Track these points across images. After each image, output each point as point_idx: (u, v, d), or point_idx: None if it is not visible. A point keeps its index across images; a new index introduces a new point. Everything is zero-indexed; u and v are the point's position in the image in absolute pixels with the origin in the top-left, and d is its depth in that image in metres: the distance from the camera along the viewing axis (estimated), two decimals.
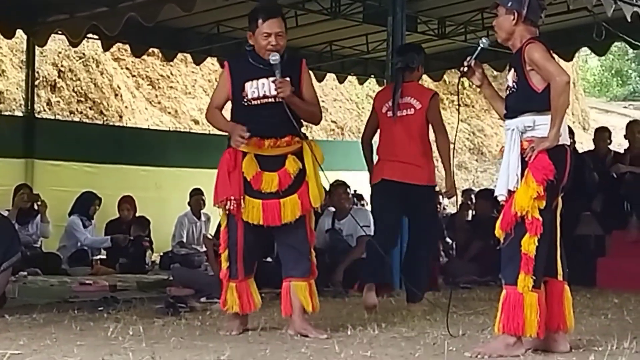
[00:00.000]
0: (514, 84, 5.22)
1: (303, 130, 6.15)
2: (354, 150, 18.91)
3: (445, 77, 18.58)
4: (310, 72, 16.18)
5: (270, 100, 5.92)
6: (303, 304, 5.97)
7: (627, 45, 16.92)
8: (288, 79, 5.92)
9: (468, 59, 5.41)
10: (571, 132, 10.51)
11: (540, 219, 5.00)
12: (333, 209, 10.29)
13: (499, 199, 5.20)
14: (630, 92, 42.44)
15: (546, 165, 4.99)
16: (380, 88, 9.04)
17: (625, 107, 38.53)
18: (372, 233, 9.82)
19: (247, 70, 5.99)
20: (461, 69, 5.43)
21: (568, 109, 5.27)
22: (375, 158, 7.95)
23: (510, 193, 5.11)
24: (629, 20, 11.61)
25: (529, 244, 4.99)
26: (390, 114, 7.70)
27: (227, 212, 5.99)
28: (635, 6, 11.64)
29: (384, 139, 7.90)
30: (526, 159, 5.05)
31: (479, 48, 5.47)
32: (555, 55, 5.39)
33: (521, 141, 5.10)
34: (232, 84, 6.02)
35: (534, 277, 4.97)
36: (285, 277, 6.05)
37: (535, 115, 5.10)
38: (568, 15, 12.56)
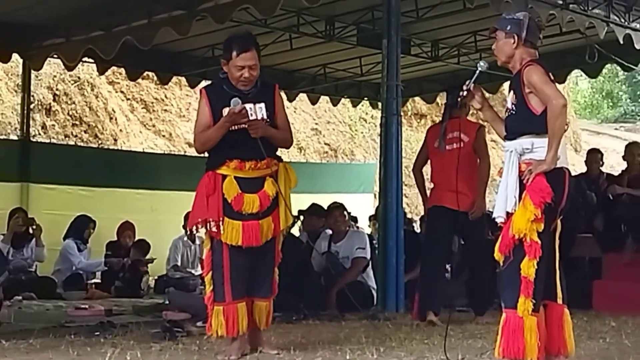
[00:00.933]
0: (513, 106, 5.21)
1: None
2: (348, 173, 19.10)
3: (438, 99, 18.62)
4: (304, 94, 16.50)
5: (246, 125, 6.03)
6: (257, 323, 6.18)
7: (617, 67, 17.02)
8: (262, 110, 6.08)
9: (467, 82, 5.39)
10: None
11: (539, 242, 4.99)
12: (330, 232, 10.27)
13: (497, 220, 5.17)
14: (621, 114, 42.55)
15: (544, 188, 4.98)
16: (432, 124, 9.78)
17: (616, 129, 38.65)
18: (367, 255, 9.89)
19: (223, 97, 6.08)
20: (460, 93, 5.43)
21: None
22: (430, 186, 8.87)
23: (509, 215, 5.10)
24: (622, 42, 11.69)
25: (529, 267, 4.97)
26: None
27: (210, 234, 6.06)
28: (627, 28, 11.72)
29: (435, 170, 8.75)
30: (524, 181, 5.05)
31: (477, 71, 5.45)
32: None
33: (519, 163, 5.11)
34: (211, 110, 6.10)
35: (533, 301, 4.96)
36: (250, 296, 6.16)
37: (534, 138, 5.09)
38: (560, 38, 12.61)
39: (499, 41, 5.32)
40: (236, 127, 6.02)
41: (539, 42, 5.38)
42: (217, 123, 6.04)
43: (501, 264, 5.13)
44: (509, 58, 5.28)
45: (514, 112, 5.21)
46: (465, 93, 5.39)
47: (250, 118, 6.01)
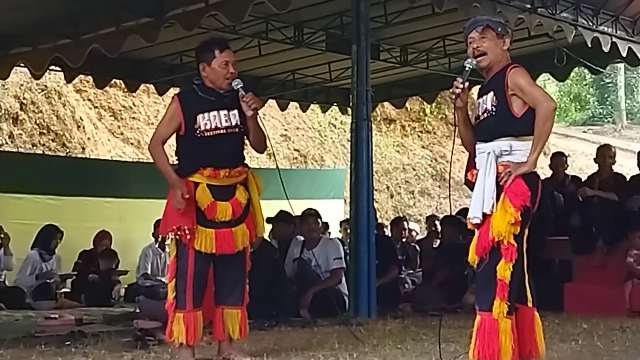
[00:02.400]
0: (493, 107, 5.14)
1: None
2: (318, 179, 19.05)
3: (407, 104, 18.64)
4: (273, 100, 16.45)
5: (222, 131, 6.08)
6: (230, 331, 6.19)
7: (585, 70, 17.09)
8: (236, 117, 6.14)
9: (460, 80, 5.23)
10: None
11: (516, 244, 4.99)
12: (302, 238, 10.24)
13: (474, 221, 5.12)
14: (589, 117, 42.76)
15: (525, 191, 4.97)
16: None
17: (584, 132, 38.85)
18: (344, 264, 9.86)
19: (197, 103, 6.12)
20: (455, 90, 5.25)
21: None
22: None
23: (485, 216, 5.09)
24: (590, 45, 11.75)
25: (505, 270, 4.95)
26: None
27: (176, 241, 6.05)
28: (595, 31, 11.79)
29: None
30: (501, 183, 5.04)
31: (468, 69, 5.27)
32: None
33: (496, 165, 5.08)
34: (184, 117, 6.10)
35: (508, 303, 4.95)
36: (219, 304, 6.22)
37: (513, 140, 5.07)
38: (529, 42, 12.68)
39: (489, 41, 5.23)
40: (211, 134, 6.05)
41: None
42: (171, 173, 6.07)
43: (475, 266, 5.11)
44: (499, 58, 5.22)
45: (493, 114, 5.14)
46: (459, 91, 5.25)
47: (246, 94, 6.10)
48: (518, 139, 5.07)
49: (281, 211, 10.61)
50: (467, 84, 5.27)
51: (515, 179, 5.00)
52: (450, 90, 5.32)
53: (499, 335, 4.93)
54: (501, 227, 4.96)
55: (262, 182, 6.43)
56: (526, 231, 5.16)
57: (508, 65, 5.17)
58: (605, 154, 10.72)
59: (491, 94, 5.19)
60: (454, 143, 5.93)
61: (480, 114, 5.24)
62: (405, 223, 14.50)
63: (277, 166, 7.93)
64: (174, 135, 6.19)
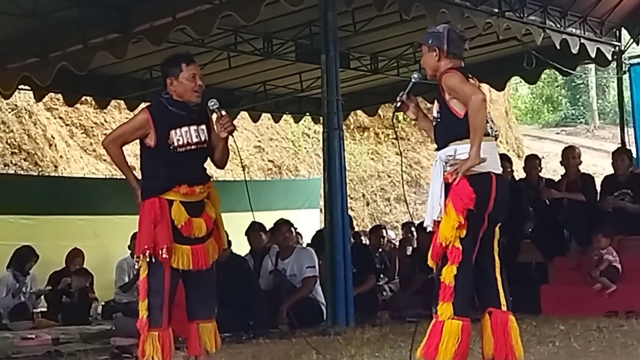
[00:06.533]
0: (438, 114, 5.31)
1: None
2: (293, 189, 19.05)
3: (379, 111, 18.67)
4: (245, 112, 16.40)
5: (192, 147, 6.03)
6: (207, 345, 6.13)
7: (556, 72, 17.17)
8: (204, 132, 6.09)
9: (401, 94, 5.50)
10: (509, 161, 10.67)
11: (461, 247, 5.04)
12: (277, 249, 10.21)
13: (429, 229, 5.24)
14: (561, 118, 43.00)
15: (468, 193, 5.04)
16: None
17: (557, 133, 39.08)
18: (317, 273, 9.83)
19: (169, 118, 6.03)
20: (394, 104, 5.54)
21: (501, 137, 5.30)
22: None
23: (437, 223, 5.14)
24: (558, 47, 11.81)
25: (447, 273, 5.05)
26: None
27: (148, 260, 5.94)
28: (563, 33, 11.86)
29: None
30: (450, 181, 5.08)
31: (411, 83, 5.55)
32: (485, 85, 5.41)
33: (444, 171, 5.14)
34: (156, 131, 6.00)
35: (453, 305, 5.01)
36: (193, 319, 6.15)
37: (457, 145, 5.15)
38: (498, 45, 12.74)
39: (424, 55, 5.43)
40: (183, 150, 5.98)
41: (464, 51, 5.46)
42: (130, 180, 6.10)
43: (434, 271, 5.18)
44: (434, 71, 5.37)
45: (439, 120, 5.32)
46: (399, 104, 5.49)
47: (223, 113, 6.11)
48: (462, 142, 5.13)
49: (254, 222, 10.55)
50: (405, 97, 5.50)
51: (460, 181, 5.04)
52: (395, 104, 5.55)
53: (442, 336, 5.01)
54: (447, 231, 5.06)
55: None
56: (497, 234, 5.22)
57: (444, 70, 5.28)
58: (569, 155, 10.72)
59: (436, 102, 5.36)
60: (400, 154, 5.99)
61: (432, 122, 5.40)
62: (384, 231, 14.47)
63: (245, 179, 7.85)
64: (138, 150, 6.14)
